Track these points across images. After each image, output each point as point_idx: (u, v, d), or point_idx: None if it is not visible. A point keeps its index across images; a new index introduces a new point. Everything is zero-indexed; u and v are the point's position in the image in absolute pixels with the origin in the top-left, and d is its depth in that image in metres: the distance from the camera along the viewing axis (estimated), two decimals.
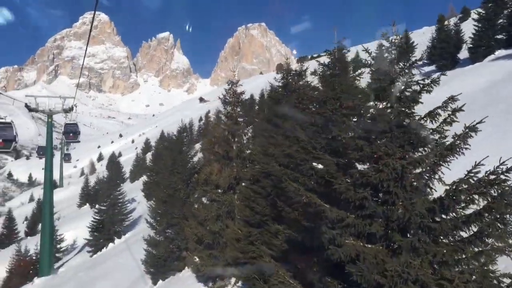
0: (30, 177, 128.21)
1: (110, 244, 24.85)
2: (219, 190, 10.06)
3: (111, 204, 25.29)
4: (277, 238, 6.97)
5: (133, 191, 42.21)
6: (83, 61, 16.90)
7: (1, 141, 16.55)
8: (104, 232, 24.89)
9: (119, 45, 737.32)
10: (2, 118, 18.39)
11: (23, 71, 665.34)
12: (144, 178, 50.89)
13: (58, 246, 32.40)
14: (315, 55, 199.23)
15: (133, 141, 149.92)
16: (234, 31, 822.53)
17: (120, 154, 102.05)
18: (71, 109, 25.15)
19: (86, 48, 15.35)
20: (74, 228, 38.38)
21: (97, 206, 26.60)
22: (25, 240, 44.56)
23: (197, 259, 11.25)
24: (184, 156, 13.07)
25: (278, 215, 7.73)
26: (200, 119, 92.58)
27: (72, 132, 26.55)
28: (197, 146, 54.84)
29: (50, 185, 27.10)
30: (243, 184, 10.19)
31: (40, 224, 36.07)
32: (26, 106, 24.42)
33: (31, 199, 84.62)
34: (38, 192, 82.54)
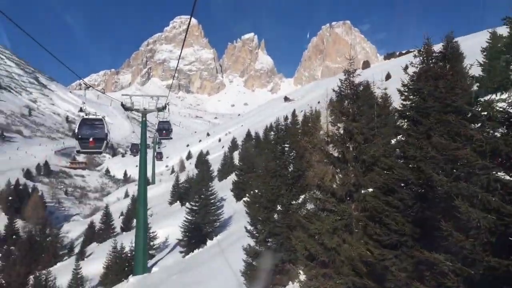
0: (125, 173, 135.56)
1: (203, 246, 24.40)
2: (334, 199, 8.59)
3: (203, 204, 24.84)
4: (433, 270, 5.34)
5: (222, 190, 41.90)
6: (177, 64, 17.59)
7: (92, 140, 14.74)
8: (196, 233, 24.47)
9: (206, 47, 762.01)
10: (93, 114, 16.29)
11: (120, 74, 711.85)
12: (233, 177, 50.90)
13: (151, 243, 32.89)
14: (403, 52, 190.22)
15: (219, 140, 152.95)
16: (317, 30, 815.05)
17: (207, 153, 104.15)
18: (164, 107, 25.06)
19: (181, 53, 15.80)
20: (166, 226, 38.88)
21: (188, 206, 26.22)
22: (120, 236, 46.25)
23: (303, 275, 9.92)
24: (286, 157, 11.73)
25: (425, 237, 6.13)
26: (286, 118, 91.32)
27: (165, 130, 26.89)
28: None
29: (144, 182, 27.30)
30: (362, 191, 8.65)
31: (134, 220, 37.04)
32: (122, 105, 24.76)
33: (126, 195, 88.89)
34: (132, 189, 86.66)
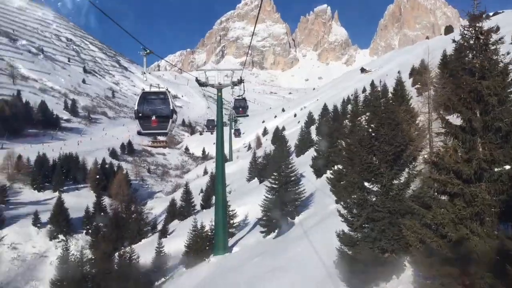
0: (203, 151, 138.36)
1: (284, 226, 23.22)
2: (458, 180, 6.72)
3: (283, 182, 23.56)
4: None
5: (301, 166, 40.37)
6: (251, 41, 15.55)
7: (154, 118, 12.34)
8: (277, 212, 23.30)
9: (278, 22, 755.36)
10: (155, 86, 13.65)
11: (195, 53, 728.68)
12: (311, 152, 49.19)
13: (231, 221, 32.45)
14: (490, 14, 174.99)
15: (295, 115, 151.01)
16: None
17: (283, 128, 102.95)
18: (240, 81, 23.86)
19: (254, 30, 14.77)
20: (245, 203, 38.37)
21: (268, 184, 25.05)
22: (201, 213, 46.63)
23: (409, 268, 8.25)
24: (387, 129, 9.89)
25: None
26: (364, 90, 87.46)
27: (241, 107, 26.57)
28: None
29: (222, 159, 26.54)
30: (496, 169, 6.71)
31: (213, 198, 36.83)
32: (197, 80, 23.98)
33: (205, 172, 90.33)
34: (210, 166, 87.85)
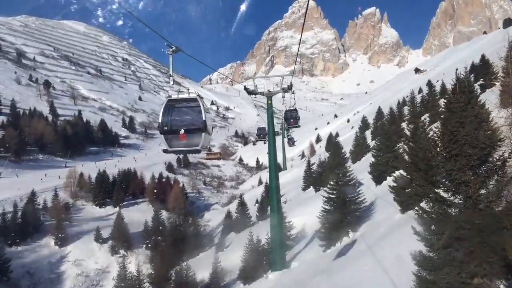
0: (257, 161, 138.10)
1: (345, 239, 21.69)
2: None
3: (341, 192, 22.09)
4: None
5: (358, 173, 38.51)
6: (298, 49, 14.19)
7: (183, 133, 10.03)
8: (336, 223, 21.83)
9: (326, 28, 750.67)
10: (184, 92, 11.15)
11: (245, 65, 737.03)
12: (368, 158, 47.08)
13: (288, 233, 31.24)
14: None
15: (348, 121, 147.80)
16: None
17: (337, 134, 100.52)
18: (289, 87, 22.78)
19: (301, 37, 13.48)
20: (301, 214, 37.01)
21: (325, 194, 23.64)
22: (257, 225, 45.68)
23: None
24: (469, 128, 8.34)
25: None
26: (420, 91, 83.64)
27: (292, 118, 26.28)
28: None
29: (275, 170, 25.47)
30: None
31: (269, 208, 35.80)
32: (245, 88, 23.16)
33: (260, 182, 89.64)
34: (265, 175, 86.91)
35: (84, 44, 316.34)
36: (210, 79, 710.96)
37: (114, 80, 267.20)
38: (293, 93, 27.54)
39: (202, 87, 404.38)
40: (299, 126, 28.18)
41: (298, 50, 44.33)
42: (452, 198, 8.98)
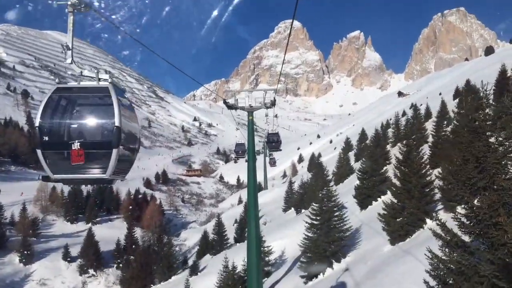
0: (238, 179, 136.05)
1: (328, 270, 19.78)
2: None
3: (325, 218, 20.28)
4: None
5: (341, 196, 36.91)
6: (281, 68, 12.54)
7: (78, 149, 5.59)
8: (319, 252, 19.95)
9: (311, 49, 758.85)
10: (88, 77, 6.22)
11: (229, 82, 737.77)
12: (352, 180, 45.62)
13: (266, 259, 29.32)
14: None
15: (331, 141, 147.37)
16: (428, 21, 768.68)
17: (320, 155, 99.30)
18: (273, 103, 21.07)
19: (284, 57, 12.23)
20: (281, 237, 35.11)
21: (308, 220, 21.78)
22: (234, 248, 43.60)
23: None
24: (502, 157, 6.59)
25: None
26: (404, 114, 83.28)
27: (274, 141, 25.72)
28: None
29: (254, 192, 23.43)
30: None
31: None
32: (225, 102, 21.38)
33: (240, 201, 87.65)
34: (245, 194, 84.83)
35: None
36: (194, 95, 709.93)
37: None
38: (276, 116, 27.35)
39: (185, 102, 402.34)
40: (280, 150, 27.64)
41: (281, 69, 43.65)
42: (477, 243, 7.13)
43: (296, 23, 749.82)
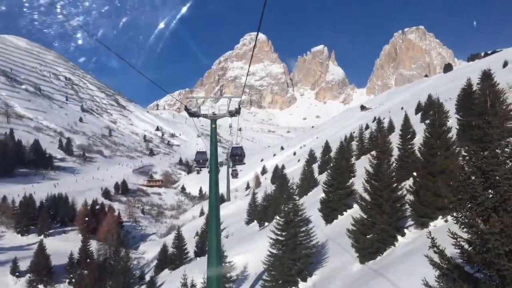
0: (200, 190, 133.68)
1: None
2: None
3: (292, 234, 19.12)
4: None
5: (306, 209, 36.00)
6: (245, 80, 11.63)
7: None
8: (284, 271, 18.75)
9: (276, 62, 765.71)
10: None
11: (193, 93, 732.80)
12: (316, 193, 44.90)
13: (228, 275, 27.92)
14: (489, 52, 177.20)
15: (294, 153, 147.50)
16: (389, 38, 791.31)
17: (283, 167, 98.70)
18: (237, 111, 19.89)
19: (249, 69, 11.56)
20: (244, 251, 33.79)
21: (273, 236, 20.56)
22: (194, 262, 41.98)
23: None
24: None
25: None
26: (367, 127, 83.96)
27: (238, 155, 24.57)
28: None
29: (216, 206, 22.10)
30: None
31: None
32: (186, 109, 19.99)
33: (202, 213, 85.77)
34: (207, 206, 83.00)
35: (24, 60, 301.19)
36: (157, 105, 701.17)
37: (54, 100, 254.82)
38: (240, 129, 26.25)
39: (148, 112, 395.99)
40: (244, 163, 26.65)
41: (245, 80, 43.10)
42: (483, 276, 6.01)
43: (261, 36, 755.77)
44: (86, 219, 73.98)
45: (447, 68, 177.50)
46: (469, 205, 5.87)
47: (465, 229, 6.04)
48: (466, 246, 5.98)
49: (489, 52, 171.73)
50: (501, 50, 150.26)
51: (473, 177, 5.92)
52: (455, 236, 6.13)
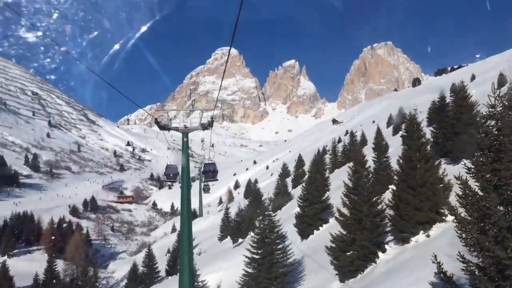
0: (172, 206, 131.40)
1: None
2: None
3: (268, 252, 18.29)
4: None
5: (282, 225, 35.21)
6: (218, 95, 11.27)
7: None
8: None
9: (248, 76, 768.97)
10: None
11: (165, 107, 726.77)
12: (291, 207, 44.30)
13: None
14: (456, 67, 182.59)
15: (267, 167, 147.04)
16: (359, 53, 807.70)
17: (256, 181, 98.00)
18: (210, 124, 19.10)
19: (221, 84, 10.63)
20: (217, 270, 32.61)
21: (248, 254, 19.66)
22: (166, 281, 40.52)
23: None
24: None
25: None
26: (339, 141, 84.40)
27: (210, 172, 23.54)
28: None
29: (188, 222, 21.06)
30: None
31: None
32: (156, 122, 19.07)
33: (173, 229, 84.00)
34: (179, 222, 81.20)
35: None
36: (128, 120, 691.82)
37: (20, 115, 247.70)
38: (212, 145, 25.65)
39: (118, 127, 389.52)
40: (217, 180, 25.89)
41: (218, 94, 41.98)
42: None
43: (233, 51, 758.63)
44: (53, 237, 71.29)
45: (416, 82, 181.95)
46: (481, 225, 5.21)
47: (474, 253, 5.36)
48: (477, 272, 5.30)
49: (455, 67, 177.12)
50: (467, 65, 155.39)
51: (481, 193, 5.28)
52: (465, 260, 5.44)
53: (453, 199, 16.64)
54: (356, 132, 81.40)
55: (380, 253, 15.31)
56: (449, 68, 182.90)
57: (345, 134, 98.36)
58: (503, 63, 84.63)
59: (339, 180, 43.32)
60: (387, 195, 18.88)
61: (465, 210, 5.42)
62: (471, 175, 5.51)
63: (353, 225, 15.25)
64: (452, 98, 26.69)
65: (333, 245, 15.89)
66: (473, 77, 76.75)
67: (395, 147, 44.75)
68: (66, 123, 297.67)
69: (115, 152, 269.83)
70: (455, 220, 5.62)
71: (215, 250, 47.17)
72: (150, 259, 43.95)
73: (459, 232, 5.31)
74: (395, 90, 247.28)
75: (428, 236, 14.80)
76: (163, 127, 19.22)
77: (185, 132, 19.69)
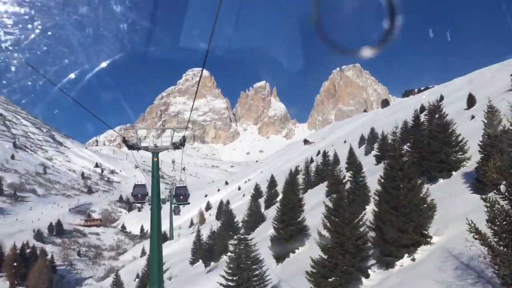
0: (142, 229, 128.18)
1: None
2: None
3: (244, 278, 17.23)
4: None
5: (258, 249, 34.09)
6: (190, 115, 10.42)
7: None
8: None
9: (219, 97, 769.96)
10: None
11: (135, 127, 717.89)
12: (264, 228, 43.35)
13: None
14: (422, 88, 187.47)
15: (239, 188, 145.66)
16: (328, 75, 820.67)
17: (228, 202, 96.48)
18: (181, 143, 18.16)
19: (193, 105, 10.13)
20: None
21: (223, 281, 18.55)
22: None
23: None
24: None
25: None
26: (311, 161, 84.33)
27: (182, 195, 23.71)
28: (320, 187, 46.21)
29: (159, 244, 19.88)
30: None
31: None
32: (124, 141, 17.99)
33: (143, 253, 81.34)
34: (149, 245, 78.82)
35: None
36: (97, 141, 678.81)
37: None
38: (184, 169, 25.51)
39: (86, 148, 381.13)
40: (188, 203, 25.20)
41: (190, 115, 41.84)
42: None
43: (204, 72, 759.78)
44: (15, 264, 67.87)
45: (385, 103, 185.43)
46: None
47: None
48: None
49: (422, 88, 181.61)
50: (433, 87, 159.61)
51: None
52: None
53: (439, 220, 16.11)
54: (328, 152, 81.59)
55: (363, 279, 14.51)
56: (416, 90, 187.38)
57: (317, 154, 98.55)
58: (466, 85, 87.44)
59: (313, 201, 42.76)
60: (367, 216, 18.21)
61: (498, 238, 4.69)
62: (504, 199, 4.81)
63: (334, 248, 14.42)
64: (427, 117, 26.58)
65: (314, 270, 14.98)
66: (441, 98, 78.34)
67: (369, 166, 44.69)
68: (32, 144, 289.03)
69: (83, 174, 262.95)
70: (489, 252, 4.86)
71: (186, 274, 45.54)
72: (117, 285, 42.01)
73: (491, 263, 4.59)
74: (364, 111, 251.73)
75: (413, 260, 14.11)
76: (132, 147, 18.18)
77: (156, 151, 18.68)
